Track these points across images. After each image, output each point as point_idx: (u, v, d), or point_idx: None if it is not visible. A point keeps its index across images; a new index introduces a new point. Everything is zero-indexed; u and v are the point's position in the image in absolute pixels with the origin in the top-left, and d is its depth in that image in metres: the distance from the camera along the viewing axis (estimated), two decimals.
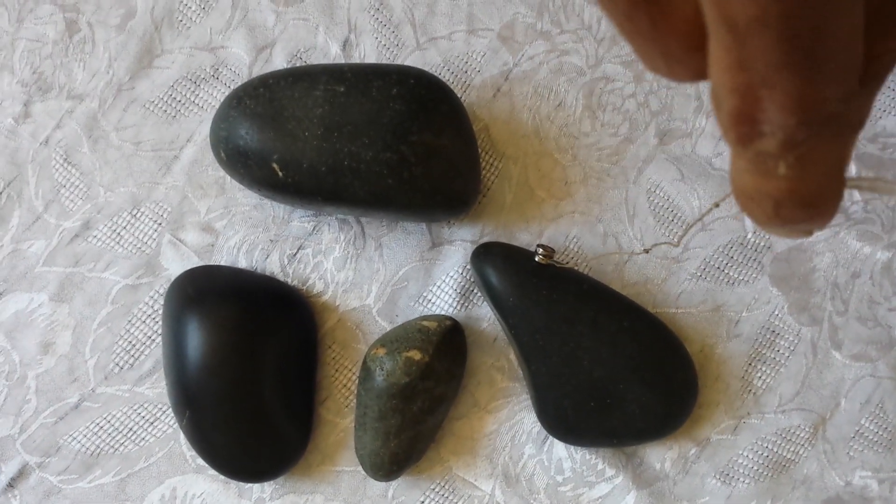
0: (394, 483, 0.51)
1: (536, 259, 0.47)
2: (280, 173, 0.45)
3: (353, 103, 0.44)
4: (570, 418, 0.48)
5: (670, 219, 0.51)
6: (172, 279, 0.50)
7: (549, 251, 0.47)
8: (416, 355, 0.47)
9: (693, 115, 0.52)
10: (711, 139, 0.52)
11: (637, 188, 0.52)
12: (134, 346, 0.51)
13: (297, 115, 0.44)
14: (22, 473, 0.51)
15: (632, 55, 0.52)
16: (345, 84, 0.45)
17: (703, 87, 0.52)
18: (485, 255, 0.48)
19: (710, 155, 0.52)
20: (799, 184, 0.23)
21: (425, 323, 0.48)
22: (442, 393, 0.48)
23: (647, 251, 0.47)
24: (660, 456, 0.51)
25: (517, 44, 0.52)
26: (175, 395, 0.48)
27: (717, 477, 0.51)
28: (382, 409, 0.47)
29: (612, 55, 0.52)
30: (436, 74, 0.49)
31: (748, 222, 0.51)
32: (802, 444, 0.51)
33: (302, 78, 0.45)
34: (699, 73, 0.23)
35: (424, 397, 0.47)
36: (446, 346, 0.48)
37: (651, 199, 0.51)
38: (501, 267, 0.47)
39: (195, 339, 0.46)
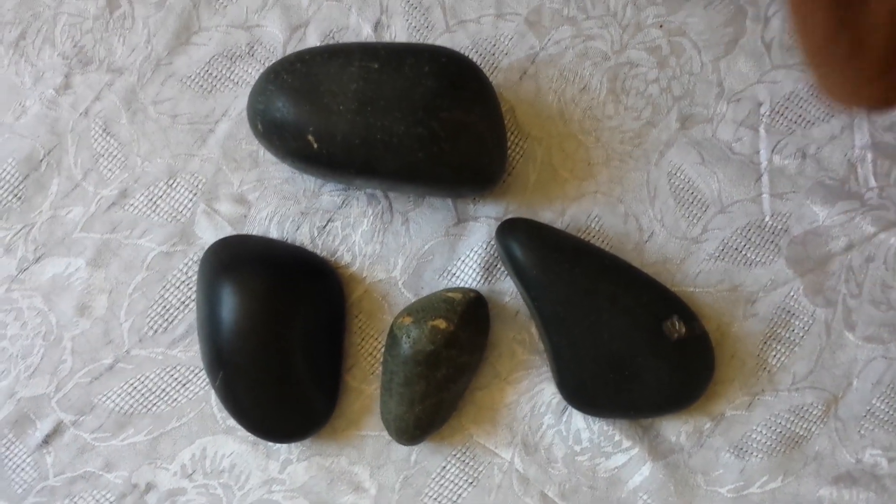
0: (416, 448, 0.52)
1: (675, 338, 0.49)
2: (315, 145, 0.46)
3: (387, 79, 0.46)
4: (589, 390, 0.50)
5: (690, 201, 0.53)
6: (206, 247, 0.52)
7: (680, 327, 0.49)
8: (441, 324, 0.48)
9: (714, 100, 0.53)
10: (732, 124, 0.53)
11: (658, 170, 0.53)
12: (168, 310, 0.53)
13: (333, 89, 0.46)
14: (57, 431, 0.53)
15: (655, 42, 0.53)
16: (379, 61, 0.46)
17: (725, 74, 0.53)
18: (510, 230, 0.50)
19: (731, 140, 0.53)
20: None
21: (450, 294, 0.50)
22: (465, 362, 0.50)
23: None
24: (675, 429, 0.52)
25: (544, 28, 0.54)
26: (209, 356, 0.49)
27: (731, 451, 0.52)
28: (408, 375, 0.49)
29: (637, 41, 0.53)
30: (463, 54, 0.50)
31: (766, 206, 0.53)
32: (815, 422, 0.52)
33: (337, 54, 0.47)
34: (887, 96, 0.26)
35: (448, 365, 0.49)
36: (470, 316, 0.50)
37: (672, 181, 0.53)
38: (526, 241, 0.49)
39: (229, 303, 0.48)
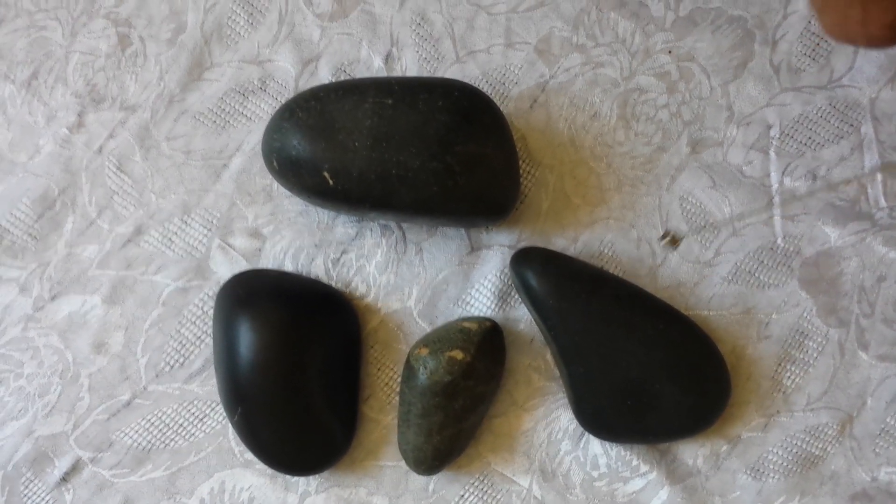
0: (434, 478, 0.53)
1: (662, 243, 0.47)
2: (331, 181, 0.47)
3: (401, 115, 0.46)
4: (607, 416, 0.50)
5: (702, 225, 0.53)
6: (222, 282, 0.52)
7: (673, 236, 0.47)
8: (458, 355, 0.49)
9: (724, 124, 0.54)
10: (742, 148, 0.53)
11: (670, 195, 0.53)
12: (184, 345, 0.53)
13: (348, 126, 0.46)
14: (75, 468, 0.53)
15: (664, 67, 0.54)
16: (392, 97, 0.47)
17: (734, 98, 0.54)
18: (524, 259, 0.50)
19: (741, 163, 0.53)
20: None
21: (466, 324, 0.50)
22: (482, 392, 0.50)
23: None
24: (692, 452, 0.52)
25: (553, 56, 0.54)
26: (227, 392, 0.50)
27: (748, 473, 0.53)
28: (426, 406, 0.49)
29: (646, 67, 0.54)
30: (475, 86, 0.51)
31: (778, 228, 0.53)
32: (830, 442, 0.53)
33: (351, 91, 0.47)
34: (887, 30, 0.24)
35: (466, 395, 0.49)
36: (487, 346, 0.50)
37: (683, 205, 0.53)
38: (541, 270, 0.49)
39: (246, 338, 0.48)
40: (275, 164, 0.48)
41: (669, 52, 0.54)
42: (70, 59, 0.54)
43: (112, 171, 0.54)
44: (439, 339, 0.50)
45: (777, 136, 0.54)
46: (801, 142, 0.54)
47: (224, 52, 0.54)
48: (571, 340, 0.49)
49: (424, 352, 0.49)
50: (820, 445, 0.53)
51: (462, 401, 0.49)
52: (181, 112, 0.54)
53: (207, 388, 0.53)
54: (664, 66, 0.54)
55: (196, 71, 0.54)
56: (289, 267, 0.53)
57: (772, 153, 0.54)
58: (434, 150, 0.46)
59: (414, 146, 0.46)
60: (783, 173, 0.53)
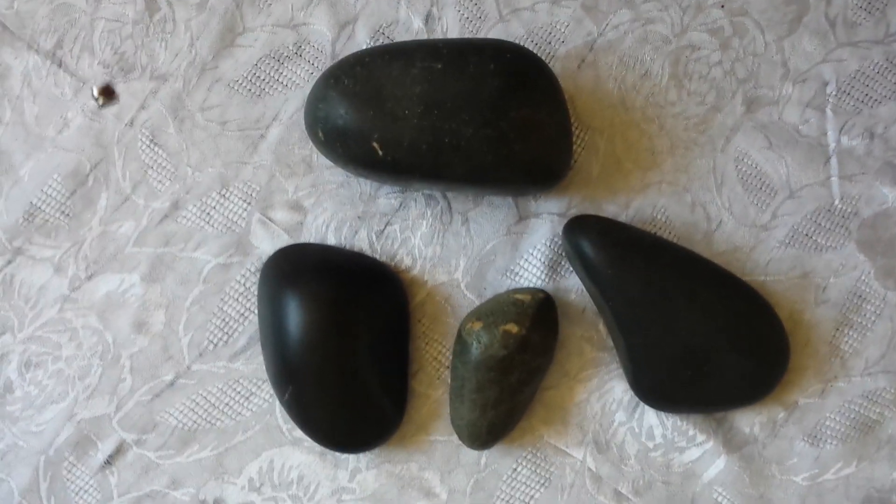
0: (486, 451, 0.52)
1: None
2: (380, 152, 0.45)
3: (451, 80, 0.44)
4: (666, 387, 0.49)
5: (759, 187, 0.51)
6: (263, 257, 0.51)
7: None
8: (513, 328, 0.47)
9: (780, 82, 0.52)
10: (798, 106, 0.52)
11: (725, 157, 0.52)
12: (227, 323, 0.52)
13: (396, 93, 0.44)
14: (119, 450, 0.52)
15: (717, 23, 0.51)
16: (441, 61, 0.45)
17: (789, 54, 0.52)
18: (579, 228, 0.48)
19: (798, 122, 0.52)
20: None
21: (519, 296, 0.49)
22: (537, 364, 0.49)
23: None
24: (749, 420, 0.52)
25: (601, 13, 0.52)
26: (275, 370, 0.48)
27: (805, 439, 0.52)
28: (480, 381, 0.48)
29: (698, 23, 0.51)
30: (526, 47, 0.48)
31: (835, 189, 0.51)
32: (887, 406, 0.52)
33: (397, 56, 0.45)
34: None
35: (521, 369, 0.48)
36: (541, 318, 0.49)
37: (739, 167, 0.52)
38: (597, 239, 0.48)
39: (294, 315, 0.47)
40: (320, 134, 0.46)
41: (722, 6, 0.52)
42: (96, 27, 0.52)
43: (145, 144, 0.51)
44: (492, 313, 0.48)
45: (834, 93, 0.52)
46: (858, 99, 0.52)
47: (256, 15, 0.51)
48: (629, 310, 0.48)
49: (478, 326, 0.48)
50: (877, 410, 0.52)
51: (517, 375, 0.48)
52: (214, 80, 0.51)
53: (253, 366, 0.52)
54: (717, 21, 0.52)
55: (228, 36, 0.51)
56: (331, 240, 0.52)
57: (828, 111, 0.52)
58: (487, 117, 0.44)
59: (466, 113, 0.44)
60: (840, 132, 0.52)
